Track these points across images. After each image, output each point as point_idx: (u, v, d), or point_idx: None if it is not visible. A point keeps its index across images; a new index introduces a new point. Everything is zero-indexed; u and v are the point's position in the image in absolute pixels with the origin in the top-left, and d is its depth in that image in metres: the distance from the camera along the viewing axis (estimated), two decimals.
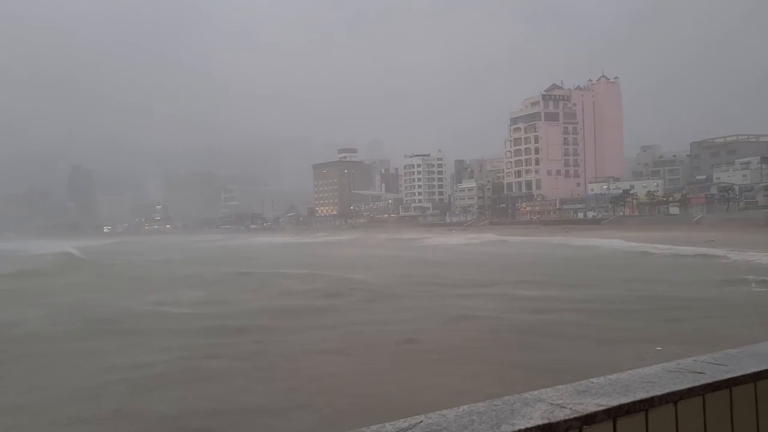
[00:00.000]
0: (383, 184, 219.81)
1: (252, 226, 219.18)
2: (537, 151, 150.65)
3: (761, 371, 1.88)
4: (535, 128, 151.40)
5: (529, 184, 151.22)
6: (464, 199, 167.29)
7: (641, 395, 1.60)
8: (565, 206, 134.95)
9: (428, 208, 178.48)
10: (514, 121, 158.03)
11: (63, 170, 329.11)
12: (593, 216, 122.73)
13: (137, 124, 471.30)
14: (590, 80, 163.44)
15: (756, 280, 25.79)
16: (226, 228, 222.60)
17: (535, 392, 1.60)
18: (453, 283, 28.86)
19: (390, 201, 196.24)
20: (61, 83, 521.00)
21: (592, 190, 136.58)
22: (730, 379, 1.80)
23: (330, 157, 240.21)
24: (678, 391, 1.66)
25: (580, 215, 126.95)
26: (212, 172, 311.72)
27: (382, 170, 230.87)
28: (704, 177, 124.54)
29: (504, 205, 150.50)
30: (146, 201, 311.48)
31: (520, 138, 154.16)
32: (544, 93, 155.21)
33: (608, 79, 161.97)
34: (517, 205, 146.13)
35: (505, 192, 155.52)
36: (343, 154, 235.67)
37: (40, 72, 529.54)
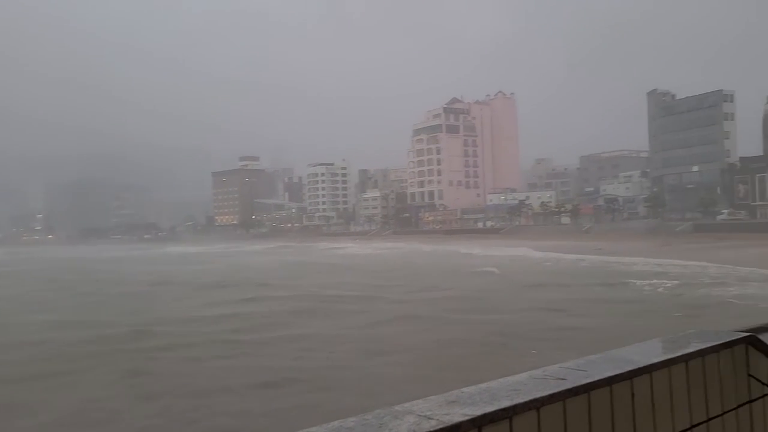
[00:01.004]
0: (286, 193, 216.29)
1: (146, 236, 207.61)
2: (439, 162, 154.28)
3: (616, 375, 1.99)
4: (437, 140, 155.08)
5: (431, 194, 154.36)
6: (368, 208, 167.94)
7: (506, 403, 1.64)
8: (465, 216, 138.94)
9: (332, 217, 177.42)
10: (416, 132, 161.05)
11: None
12: (492, 225, 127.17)
13: (13, 129, 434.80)
14: (488, 95, 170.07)
15: (634, 282, 30.09)
16: (117, 238, 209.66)
17: (407, 404, 1.61)
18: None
19: (293, 210, 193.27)
20: None
21: (491, 200, 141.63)
22: (589, 383, 1.89)
23: (231, 165, 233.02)
24: (540, 397, 1.73)
25: (480, 225, 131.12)
26: (102, 180, 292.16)
27: (286, 179, 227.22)
28: (592, 189, 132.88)
29: (407, 214, 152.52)
30: (26, 210, 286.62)
31: (423, 149, 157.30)
32: (446, 106, 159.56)
33: (505, 94, 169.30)
34: (420, 214, 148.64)
35: (409, 202, 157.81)
36: (245, 162, 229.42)
37: None
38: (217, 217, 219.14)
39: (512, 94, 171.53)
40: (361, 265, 51.62)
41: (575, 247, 63.35)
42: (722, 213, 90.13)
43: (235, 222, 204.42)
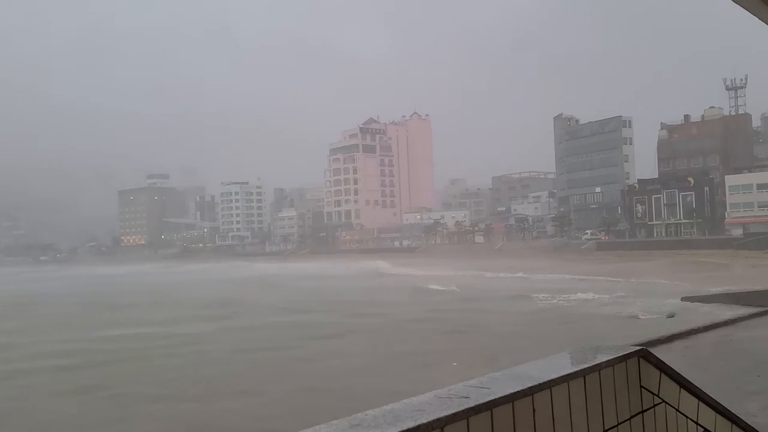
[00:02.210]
0: (198, 212, 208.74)
1: (42, 258, 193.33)
2: (356, 181, 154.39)
3: (518, 391, 2.02)
4: (354, 159, 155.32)
5: (348, 213, 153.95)
6: (284, 227, 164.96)
7: (410, 424, 1.64)
8: (382, 235, 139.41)
9: (247, 237, 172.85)
10: (333, 151, 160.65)
11: None
12: (408, 244, 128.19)
13: None
14: (404, 116, 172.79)
15: (539, 296, 33.10)
16: (10, 260, 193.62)
17: (308, 429, 1.59)
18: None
19: (206, 230, 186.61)
20: None
21: (407, 219, 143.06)
22: (491, 401, 1.91)
23: (139, 183, 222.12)
24: (444, 416, 1.73)
25: (397, 244, 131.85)
26: None
27: (197, 198, 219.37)
28: (504, 209, 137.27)
29: (324, 234, 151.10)
30: None
31: (340, 168, 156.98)
32: (362, 126, 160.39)
33: (420, 115, 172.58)
34: (337, 233, 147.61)
35: (326, 221, 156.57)
36: (153, 180, 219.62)
37: None
38: (123, 237, 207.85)
39: (427, 115, 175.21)
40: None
41: (488, 265, 64.82)
42: (586, 233, 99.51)
43: (142, 242, 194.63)
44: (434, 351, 18.22)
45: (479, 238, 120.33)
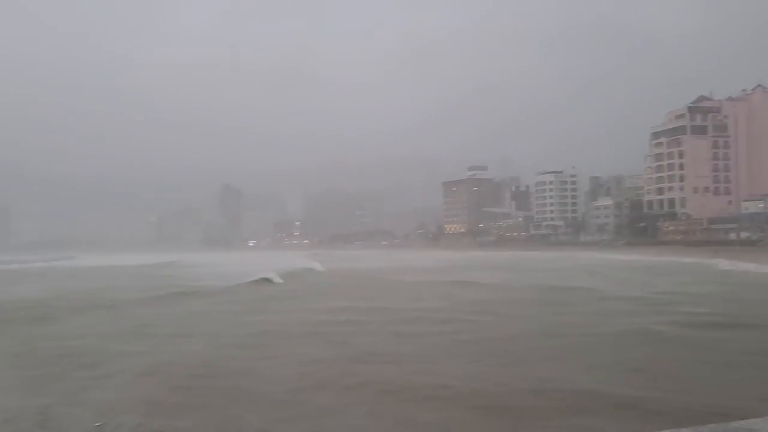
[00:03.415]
0: (513, 202, 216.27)
1: (383, 243, 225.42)
2: (681, 166, 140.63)
3: None
4: (680, 142, 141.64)
5: (671, 201, 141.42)
6: (599, 217, 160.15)
7: None
8: (713, 226, 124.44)
9: (560, 226, 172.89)
10: (655, 135, 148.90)
11: (215, 190, 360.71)
12: (747, 237, 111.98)
13: (275, 146, 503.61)
14: (743, 90, 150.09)
15: None
16: (360, 244, 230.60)
17: None
18: None
19: (520, 219, 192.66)
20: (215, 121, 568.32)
21: (746, 208, 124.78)
22: None
23: (460, 174, 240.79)
24: None
25: (732, 236, 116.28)
26: (344, 190, 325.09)
27: (512, 187, 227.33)
28: None
29: (643, 224, 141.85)
30: (287, 217, 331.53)
31: (663, 153, 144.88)
32: (691, 105, 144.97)
33: (765, 88, 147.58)
34: (658, 224, 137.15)
35: (645, 210, 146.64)
36: (473, 172, 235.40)
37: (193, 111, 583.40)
38: (446, 225, 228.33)
39: None
40: None
41: None
42: None
43: (462, 230, 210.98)
44: None
45: None
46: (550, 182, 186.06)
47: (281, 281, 41.15)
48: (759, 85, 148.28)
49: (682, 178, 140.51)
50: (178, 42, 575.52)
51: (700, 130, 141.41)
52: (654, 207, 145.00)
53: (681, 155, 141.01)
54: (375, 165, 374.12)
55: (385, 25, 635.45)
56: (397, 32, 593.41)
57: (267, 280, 40.51)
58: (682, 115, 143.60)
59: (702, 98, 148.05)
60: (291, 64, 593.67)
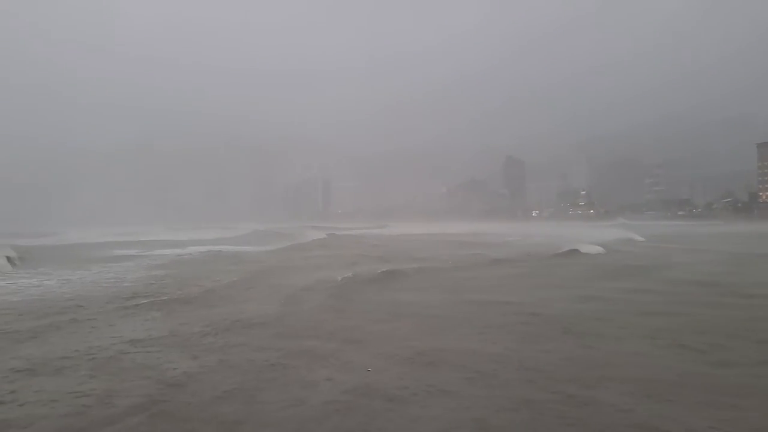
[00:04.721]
0: None
1: (679, 213, 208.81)
2: None
3: None
4: None
5: None
6: None
7: None
8: None
9: None
10: None
11: (499, 161, 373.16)
12: None
13: (561, 117, 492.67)
14: None
15: None
16: (651, 214, 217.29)
17: None
18: None
19: None
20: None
21: None
22: None
23: None
24: None
25: None
26: (634, 158, 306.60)
27: None
28: None
29: None
30: (571, 187, 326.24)
31: None
32: None
33: None
34: None
35: None
36: None
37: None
38: (761, 194, 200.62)
39: None
40: None
41: None
42: None
43: None
44: None
45: None
46: None
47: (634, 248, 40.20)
48: None
49: None
50: None
51: None
52: None
53: None
54: (676, 131, 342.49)
55: None
56: None
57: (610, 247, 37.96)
58: None
59: None
60: None
